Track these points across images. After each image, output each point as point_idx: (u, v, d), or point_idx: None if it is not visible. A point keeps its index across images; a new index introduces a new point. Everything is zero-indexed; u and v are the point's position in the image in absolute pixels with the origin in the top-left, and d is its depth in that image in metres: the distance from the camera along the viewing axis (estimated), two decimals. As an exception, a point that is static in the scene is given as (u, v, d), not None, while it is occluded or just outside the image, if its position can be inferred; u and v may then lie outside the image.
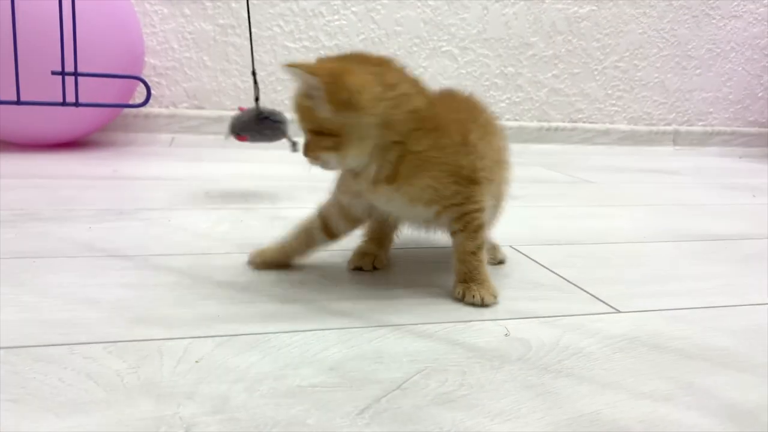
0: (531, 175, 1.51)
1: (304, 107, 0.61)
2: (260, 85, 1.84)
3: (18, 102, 1.23)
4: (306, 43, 1.83)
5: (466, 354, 0.53)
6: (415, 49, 1.93)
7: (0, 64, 1.26)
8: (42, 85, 1.28)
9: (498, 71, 2.02)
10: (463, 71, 1.99)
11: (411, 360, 0.52)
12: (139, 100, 1.70)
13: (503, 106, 2.05)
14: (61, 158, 1.36)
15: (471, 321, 0.60)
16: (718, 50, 2.23)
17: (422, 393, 0.47)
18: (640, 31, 2.13)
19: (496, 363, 0.52)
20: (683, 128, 2.25)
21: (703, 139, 2.29)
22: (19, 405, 0.42)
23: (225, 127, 1.84)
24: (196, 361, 0.49)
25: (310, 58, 1.82)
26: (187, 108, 1.79)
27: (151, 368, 0.48)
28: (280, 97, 1.83)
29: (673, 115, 2.24)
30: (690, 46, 2.20)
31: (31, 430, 0.40)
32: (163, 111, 1.77)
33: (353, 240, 0.75)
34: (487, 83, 2.02)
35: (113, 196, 1.03)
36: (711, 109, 2.29)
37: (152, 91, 1.74)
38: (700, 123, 2.29)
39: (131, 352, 0.50)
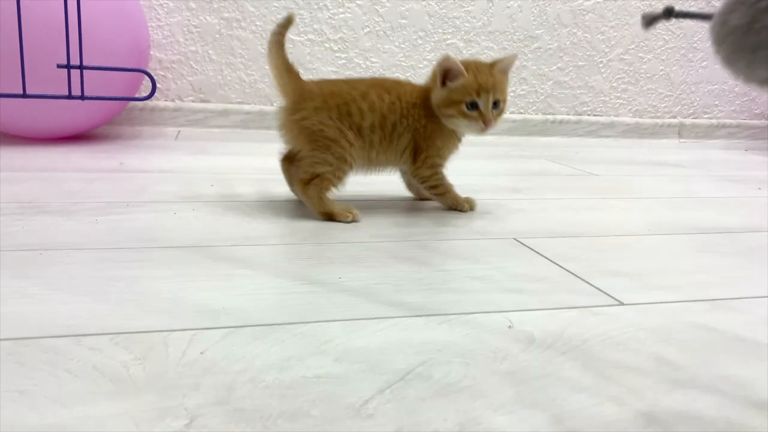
0: (535, 167, 1.51)
1: (502, 81, 0.98)
2: (265, 79, 1.84)
3: (24, 95, 1.23)
4: (311, 36, 1.83)
5: (469, 345, 0.54)
6: (419, 42, 1.93)
7: (6, 57, 1.27)
8: (48, 78, 1.29)
9: (503, 64, 2.01)
10: (468, 64, 1.98)
11: (415, 351, 0.52)
12: (145, 93, 1.70)
13: (508, 98, 2.04)
14: (67, 151, 1.36)
15: (474, 313, 0.60)
16: (725, 42, 2.22)
17: (426, 384, 0.47)
18: (646, 23, 2.12)
19: (500, 355, 0.52)
20: (688, 121, 2.25)
21: (709, 132, 2.28)
22: (26, 396, 0.42)
23: (230, 120, 1.85)
24: (201, 353, 0.50)
25: (315, 51, 1.82)
26: (192, 101, 1.79)
27: (156, 359, 0.48)
28: (285, 90, 1.83)
29: (679, 107, 2.24)
30: (696, 38, 2.19)
31: (37, 420, 0.40)
32: (169, 104, 1.77)
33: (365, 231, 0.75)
34: (491, 76, 2.01)
35: (120, 189, 1.04)
36: (716, 102, 2.28)
37: (158, 85, 1.75)
38: (706, 115, 2.28)
39: (137, 344, 0.51)
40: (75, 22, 1.24)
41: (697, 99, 2.25)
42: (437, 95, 0.94)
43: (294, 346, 0.52)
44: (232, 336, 0.53)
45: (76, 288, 0.62)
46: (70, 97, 1.27)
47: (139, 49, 1.47)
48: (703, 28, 2.17)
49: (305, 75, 1.82)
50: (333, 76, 1.87)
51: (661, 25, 2.13)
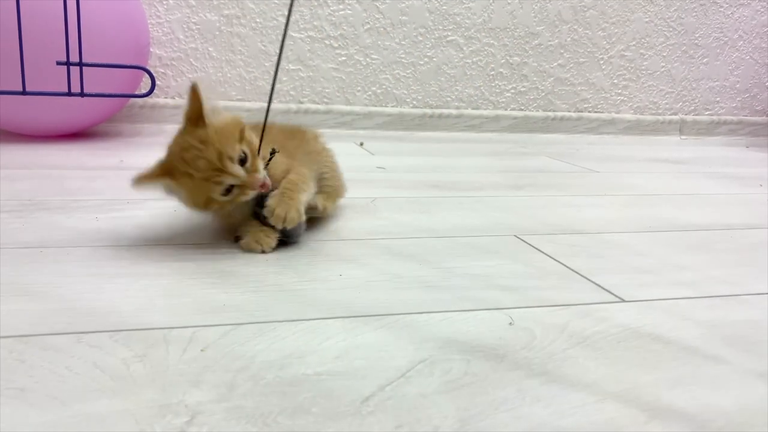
0: (536, 164, 1.50)
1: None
2: (265, 76, 1.84)
3: (24, 92, 1.23)
4: (311, 33, 1.82)
5: (470, 343, 0.54)
6: (420, 38, 1.93)
7: (6, 54, 1.27)
8: (48, 75, 1.29)
9: (503, 61, 2.01)
10: (469, 61, 1.98)
11: (415, 349, 0.52)
12: (145, 90, 1.70)
13: (509, 95, 2.04)
14: (67, 149, 1.36)
15: (475, 310, 0.60)
16: (726, 39, 2.21)
17: (426, 382, 0.47)
18: (647, 19, 2.11)
19: (501, 352, 0.52)
20: (689, 117, 2.24)
21: (710, 129, 2.28)
22: (26, 393, 0.42)
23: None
24: (202, 350, 0.50)
25: (315, 48, 1.82)
26: (192, 98, 1.79)
27: (156, 356, 0.48)
28: (285, 87, 1.83)
29: (680, 104, 2.23)
30: (697, 35, 2.18)
31: (37, 418, 0.40)
32: (169, 102, 1.77)
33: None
34: (492, 73, 2.01)
35: (120, 187, 1.04)
36: (718, 99, 2.27)
37: (158, 82, 1.74)
38: (707, 112, 2.28)
39: (137, 341, 0.51)
40: (74, 19, 1.24)
41: (698, 96, 2.25)
42: None
43: (294, 344, 0.52)
44: (233, 333, 0.53)
45: (76, 285, 0.62)
46: (69, 94, 1.26)
47: (138, 46, 1.46)
48: (704, 25, 2.17)
49: (305, 72, 1.83)
50: (333, 73, 1.87)
51: (662, 22, 2.13)
